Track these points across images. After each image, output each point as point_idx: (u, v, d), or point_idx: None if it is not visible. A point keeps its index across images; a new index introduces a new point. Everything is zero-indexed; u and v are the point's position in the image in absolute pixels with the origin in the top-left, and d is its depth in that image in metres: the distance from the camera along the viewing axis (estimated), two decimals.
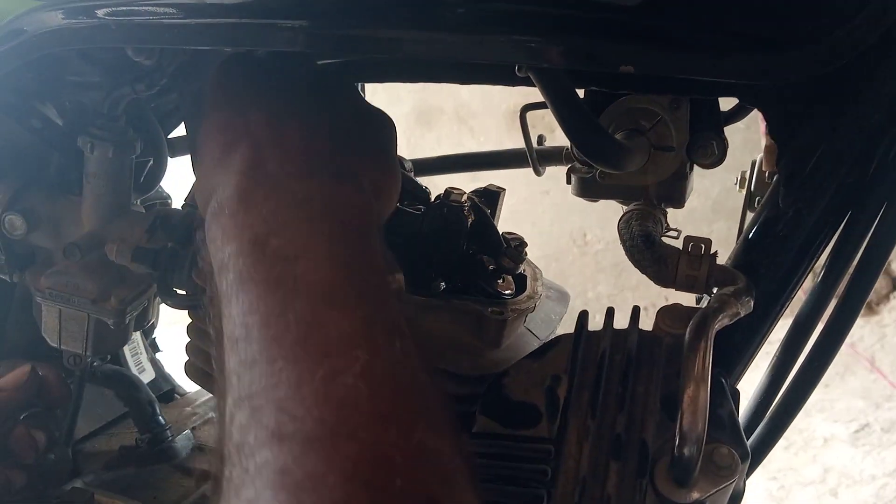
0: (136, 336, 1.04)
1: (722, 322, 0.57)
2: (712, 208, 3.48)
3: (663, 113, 0.68)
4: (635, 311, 0.63)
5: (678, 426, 0.52)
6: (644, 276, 0.68)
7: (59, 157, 0.88)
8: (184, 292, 0.73)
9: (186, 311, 0.76)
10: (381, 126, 0.65)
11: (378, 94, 4.17)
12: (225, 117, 0.59)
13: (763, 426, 0.71)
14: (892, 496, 2.45)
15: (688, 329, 0.55)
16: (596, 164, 0.65)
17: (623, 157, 0.63)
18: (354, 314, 0.48)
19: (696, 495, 0.53)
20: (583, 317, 0.63)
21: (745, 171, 0.77)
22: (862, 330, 3.41)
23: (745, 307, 0.59)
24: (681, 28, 0.49)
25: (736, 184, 0.78)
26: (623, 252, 0.69)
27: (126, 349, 1.02)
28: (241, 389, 0.45)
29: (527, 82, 0.62)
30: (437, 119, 3.98)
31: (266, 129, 0.56)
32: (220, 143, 0.57)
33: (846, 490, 2.49)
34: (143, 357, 1.04)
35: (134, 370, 1.02)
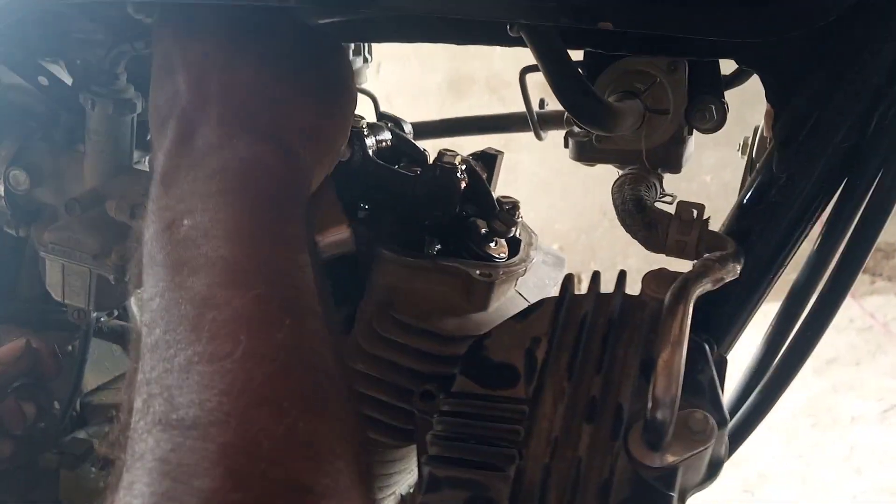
0: None
1: (704, 287, 0.56)
2: None
3: (660, 75, 0.66)
4: (621, 276, 0.62)
5: (651, 390, 0.52)
6: None
7: (66, 115, 0.89)
8: None
9: None
10: (336, 85, 0.63)
11: (411, 63, 4.13)
12: (159, 82, 0.58)
13: (755, 395, 0.70)
14: None
15: (668, 293, 0.54)
16: (585, 125, 0.64)
17: (613, 119, 0.62)
18: (247, 294, 0.47)
19: (668, 459, 0.53)
20: (568, 280, 0.62)
21: (748, 137, 0.75)
22: None
23: (731, 273, 0.58)
24: None
25: (738, 150, 0.76)
26: None
27: (135, 306, 1.03)
28: (143, 374, 0.45)
29: (521, 43, 0.61)
30: (469, 88, 3.94)
31: (190, 95, 0.56)
32: (155, 119, 0.58)
33: (871, 469, 2.46)
34: None
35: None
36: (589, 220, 3.64)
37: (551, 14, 0.50)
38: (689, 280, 0.55)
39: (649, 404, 0.52)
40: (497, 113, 0.89)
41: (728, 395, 0.72)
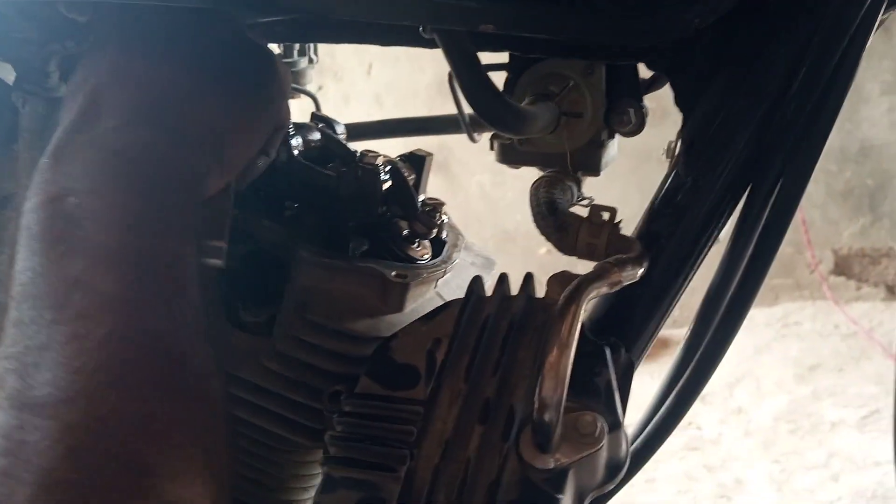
0: None
1: (600, 290, 0.56)
2: None
3: (577, 78, 0.67)
4: (527, 277, 0.62)
5: (538, 391, 0.52)
6: None
7: (8, 114, 0.89)
8: None
9: None
10: (257, 83, 0.63)
11: (401, 64, 4.13)
12: (82, 66, 0.59)
13: (671, 400, 0.70)
14: (894, 484, 2.41)
15: (561, 295, 0.55)
16: (495, 128, 0.65)
17: (522, 122, 0.62)
18: (120, 279, 0.47)
19: (557, 461, 0.53)
20: (475, 282, 0.63)
21: (672, 141, 0.75)
22: (882, 315, 3.34)
23: (630, 276, 0.58)
24: None
25: (664, 153, 0.76)
26: None
27: None
28: (4, 348, 0.45)
29: (434, 44, 0.61)
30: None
31: (105, 78, 0.56)
32: (66, 97, 0.58)
33: (848, 476, 2.45)
34: None
35: None
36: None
37: (444, 17, 0.51)
38: (582, 283, 0.55)
39: (535, 405, 0.52)
40: (428, 115, 0.90)
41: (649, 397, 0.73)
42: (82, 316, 0.44)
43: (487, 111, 0.61)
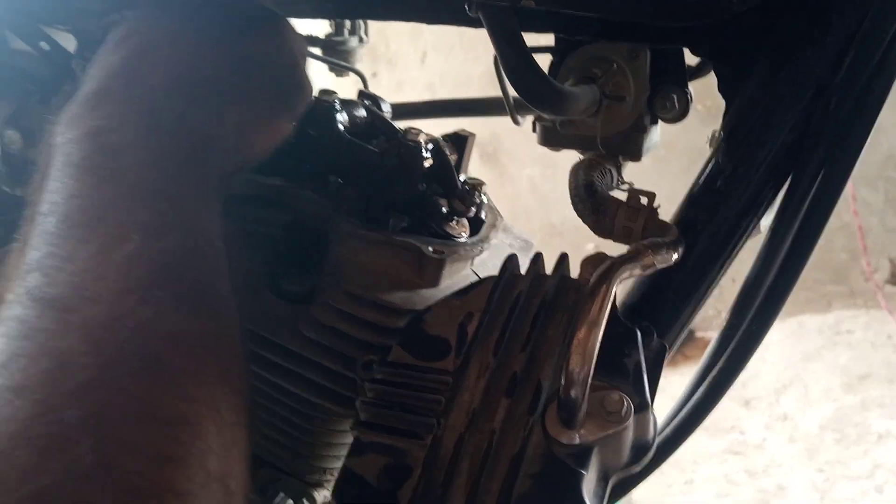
0: None
1: (632, 272, 0.56)
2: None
3: (621, 62, 0.67)
4: (561, 258, 0.63)
5: (565, 367, 0.52)
6: None
7: (69, 82, 0.92)
8: None
9: None
10: (282, 78, 0.66)
11: (455, 53, 4.13)
12: (128, 24, 0.62)
13: (703, 390, 0.69)
14: None
15: (593, 275, 0.55)
16: (534, 107, 0.65)
17: (563, 103, 0.63)
18: (147, 208, 0.50)
19: (582, 438, 0.53)
20: (509, 260, 0.63)
21: (716, 130, 0.75)
22: None
23: (663, 260, 0.58)
24: None
25: (707, 142, 0.76)
26: None
27: None
28: (24, 255, 0.47)
29: (480, 23, 0.62)
30: None
31: (157, 47, 0.59)
32: (111, 49, 0.60)
33: (892, 487, 2.40)
34: None
35: None
36: None
37: None
38: (615, 264, 0.55)
39: (562, 381, 0.52)
40: (475, 97, 0.90)
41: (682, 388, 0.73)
42: (110, 235, 0.47)
43: (528, 90, 0.61)
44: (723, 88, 0.62)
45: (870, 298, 3.36)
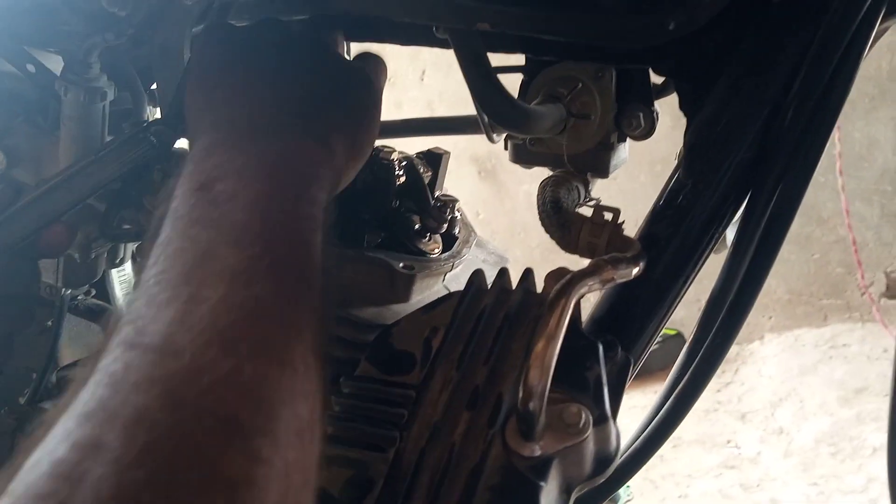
0: (130, 276, 1.10)
1: (592, 287, 0.58)
2: None
3: (586, 81, 0.68)
4: (525, 272, 0.64)
5: (523, 380, 0.53)
6: None
7: (53, 102, 0.94)
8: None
9: None
10: (356, 86, 0.69)
11: (454, 72, 4.22)
12: (207, 80, 0.64)
13: (667, 407, 0.70)
14: None
15: (552, 289, 0.56)
16: (501, 126, 0.67)
17: (528, 121, 0.64)
18: (243, 252, 0.51)
19: (541, 450, 0.54)
20: (475, 275, 0.64)
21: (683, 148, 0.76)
22: None
23: (623, 275, 0.60)
24: None
25: (675, 159, 0.77)
26: None
27: (117, 287, 1.08)
28: (127, 304, 0.49)
29: (447, 44, 0.63)
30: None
31: (242, 92, 0.62)
32: (201, 104, 0.63)
33: (887, 501, 2.39)
34: None
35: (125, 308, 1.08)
36: None
37: (442, 15, 0.53)
38: (574, 278, 0.56)
39: (520, 394, 0.53)
40: (450, 115, 0.92)
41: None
42: (203, 283, 0.48)
43: (493, 109, 0.63)
44: (684, 106, 0.63)
45: (865, 312, 3.37)
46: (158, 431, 0.41)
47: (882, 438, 2.28)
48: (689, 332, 0.70)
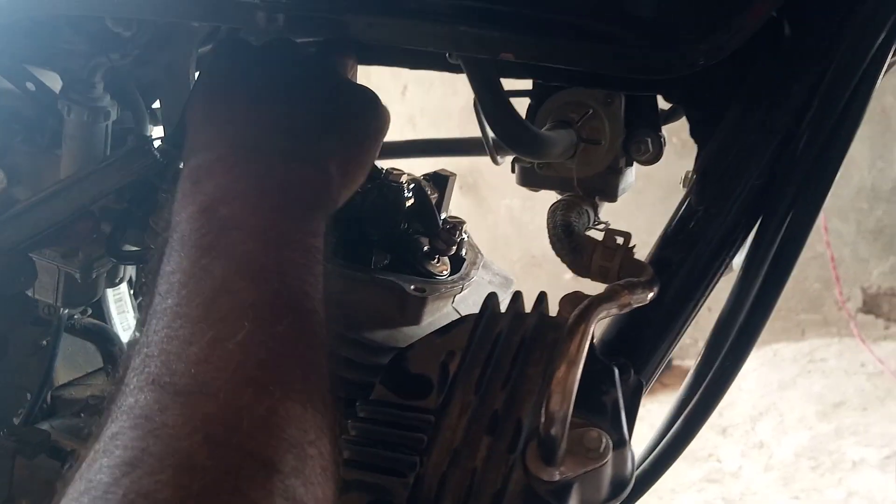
0: (125, 295, 1.09)
1: (609, 311, 0.58)
2: None
3: (596, 107, 0.69)
4: (540, 296, 0.64)
5: (545, 406, 0.54)
6: None
7: (52, 120, 0.93)
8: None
9: None
10: (361, 111, 0.69)
11: (435, 87, 4.16)
12: (211, 98, 0.64)
13: (676, 428, 0.71)
14: None
15: (571, 314, 0.57)
16: (514, 151, 0.67)
17: (541, 147, 0.65)
18: (260, 288, 0.51)
19: (561, 474, 0.55)
20: (489, 298, 0.65)
21: (689, 171, 0.77)
22: None
23: (639, 300, 0.60)
24: (565, 18, 0.51)
25: (681, 182, 0.78)
26: None
27: (113, 307, 1.07)
28: (146, 336, 0.49)
29: (460, 69, 0.64)
30: None
31: (245, 111, 0.62)
32: (202, 120, 0.63)
33: None
34: (130, 315, 1.09)
35: (119, 328, 1.07)
36: None
37: (464, 44, 0.53)
38: (593, 303, 0.57)
39: (542, 419, 0.54)
40: (456, 137, 0.92)
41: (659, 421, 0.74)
42: (224, 320, 0.49)
43: (507, 135, 0.63)
44: (694, 132, 0.64)
45: (843, 327, 3.41)
46: (206, 479, 0.41)
47: (861, 452, 2.30)
48: None
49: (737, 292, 0.66)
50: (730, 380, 0.68)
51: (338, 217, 0.75)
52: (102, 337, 1.00)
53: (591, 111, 0.68)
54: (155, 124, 0.94)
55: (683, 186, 0.79)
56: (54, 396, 0.99)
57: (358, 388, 0.68)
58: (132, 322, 1.11)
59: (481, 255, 0.80)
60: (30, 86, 0.90)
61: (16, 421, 0.96)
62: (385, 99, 0.72)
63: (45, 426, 0.90)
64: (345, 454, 0.60)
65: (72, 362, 1.02)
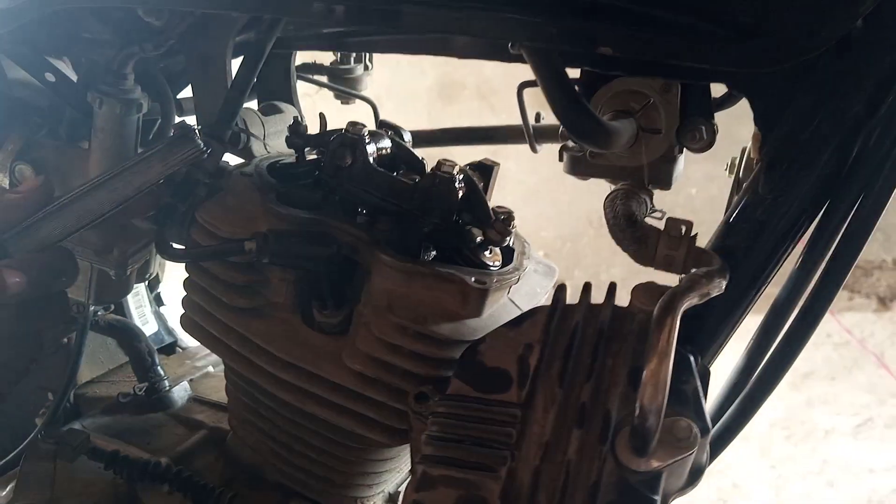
0: (141, 289, 1.07)
1: (691, 301, 0.59)
2: None
3: (654, 96, 0.69)
4: (611, 287, 0.64)
5: (639, 398, 0.54)
6: None
7: (70, 111, 0.90)
8: (181, 247, 0.76)
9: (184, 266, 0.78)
10: None
11: (402, 67, 4.12)
12: None
13: (734, 408, 0.72)
14: (889, 490, 2.46)
15: (656, 306, 0.57)
16: (581, 142, 0.67)
17: (608, 137, 0.65)
18: None
19: (653, 464, 0.55)
20: (559, 290, 0.65)
21: (735, 157, 0.78)
22: (873, 326, 3.41)
23: (716, 288, 0.61)
24: (661, 13, 0.51)
25: (726, 169, 0.79)
26: None
27: (131, 302, 1.05)
28: None
29: (520, 59, 0.64)
30: (459, 94, 3.97)
31: None
32: None
33: (843, 482, 2.50)
34: (147, 310, 1.07)
35: (137, 322, 1.05)
36: (574, 228, 3.67)
37: (554, 37, 0.53)
38: (676, 294, 0.57)
39: (636, 412, 0.54)
40: (492, 124, 0.92)
41: (709, 404, 0.75)
42: None
43: (577, 126, 0.63)
44: (759, 121, 0.64)
45: None
46: None
47: (832, 421, 2.36)
48: None
49: (795, 278, 0.68)
50: (790, 362, 0.69)
51: (389, 209, 0.75)
52: (126, 333, 0.97)
53: (651, 100, 0.68)
54: (180, 114, 0.92)
55: (729, 174, 0.81)
56: (77, 395, 0.97)
57: (424, 382, 0.68)
58: (150, 316, 1.09)
59: (527, 244, 0.80)
60: (49, 76, 0.87)
61: (38, 421, 0.94)
62: None
63: (77, 426, 0.88)
64: (427, 450, 0.60)
65: (93, 359, 1.00)
